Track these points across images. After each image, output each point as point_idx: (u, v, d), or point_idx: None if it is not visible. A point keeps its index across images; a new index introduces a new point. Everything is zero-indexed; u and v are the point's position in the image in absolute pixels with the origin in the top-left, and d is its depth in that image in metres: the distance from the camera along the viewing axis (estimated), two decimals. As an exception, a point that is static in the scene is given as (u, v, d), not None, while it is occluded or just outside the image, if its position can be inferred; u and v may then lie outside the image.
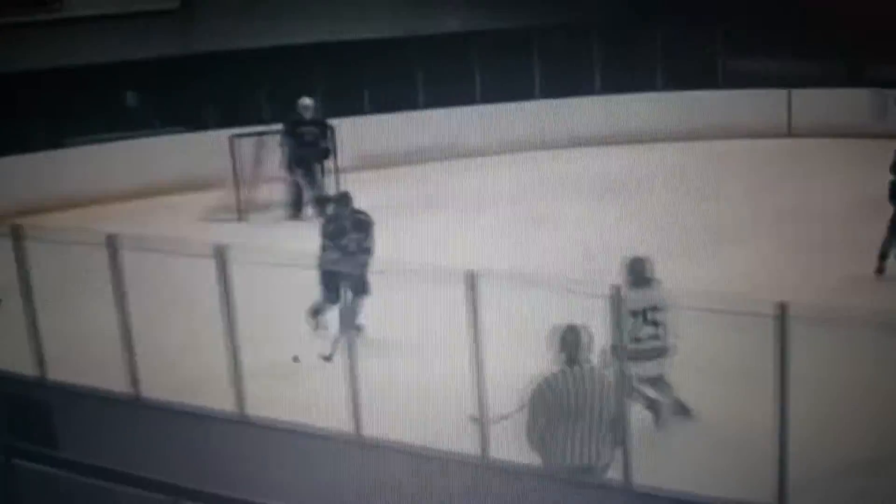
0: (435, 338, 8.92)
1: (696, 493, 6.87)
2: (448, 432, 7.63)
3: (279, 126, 16.85)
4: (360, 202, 11.90)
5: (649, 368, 8.86)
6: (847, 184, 15.32)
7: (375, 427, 7.79)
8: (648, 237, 11.56)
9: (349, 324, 10.50)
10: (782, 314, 6.36)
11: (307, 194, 16.56)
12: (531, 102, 20.51)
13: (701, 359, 9.01)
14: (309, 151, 16.54)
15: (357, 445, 7.79)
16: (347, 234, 11.36)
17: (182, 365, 9.77)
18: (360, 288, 10.78)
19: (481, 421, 7.42)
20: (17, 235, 8.94)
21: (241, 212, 16.35)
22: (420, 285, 7.87)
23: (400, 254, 9.85)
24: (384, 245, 11.42)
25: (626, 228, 13.65)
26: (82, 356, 9.50)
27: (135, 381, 8.54)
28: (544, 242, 13.09)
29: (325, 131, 16.73)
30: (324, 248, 11.35)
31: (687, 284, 8.03)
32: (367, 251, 11.35)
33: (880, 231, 12.34)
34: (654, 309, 8.84)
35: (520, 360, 7.98)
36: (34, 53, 17.81)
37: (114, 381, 8.78)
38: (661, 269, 9.14)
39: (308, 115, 16.66)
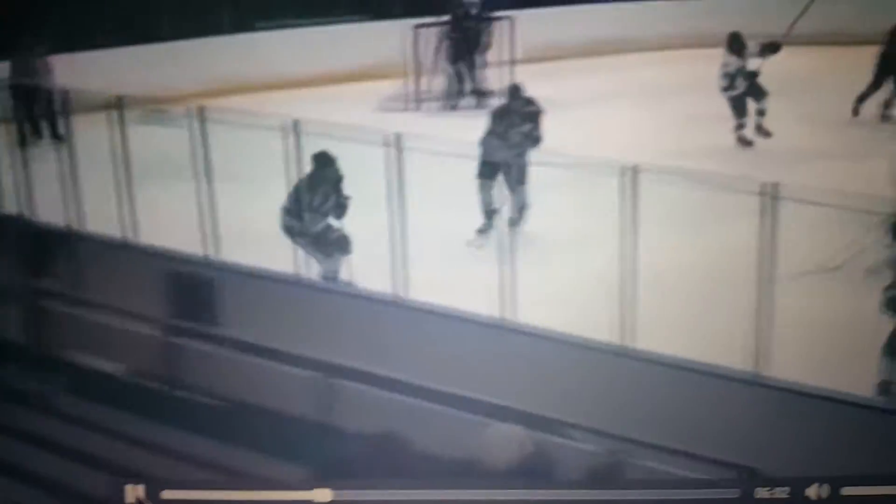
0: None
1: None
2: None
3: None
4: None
5: None
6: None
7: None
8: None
9: (516, 217, 11.05)
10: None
11: (467, 86, 17.12)
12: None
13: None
14: (472, 45, 17.08)
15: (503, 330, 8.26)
16: (516, 126, 11.66)
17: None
18: (521, 178, 11.28)
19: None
20: (202, 117, 9.57)
21: (418, 101, 16.92)
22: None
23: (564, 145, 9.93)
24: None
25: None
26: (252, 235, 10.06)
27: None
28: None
29: (488, 27, 17.19)
30: (489, 136, 11.61)
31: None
32: (536, 140, 11.71)
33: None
34: None
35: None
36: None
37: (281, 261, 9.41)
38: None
39: (473, 11, 17.13)
